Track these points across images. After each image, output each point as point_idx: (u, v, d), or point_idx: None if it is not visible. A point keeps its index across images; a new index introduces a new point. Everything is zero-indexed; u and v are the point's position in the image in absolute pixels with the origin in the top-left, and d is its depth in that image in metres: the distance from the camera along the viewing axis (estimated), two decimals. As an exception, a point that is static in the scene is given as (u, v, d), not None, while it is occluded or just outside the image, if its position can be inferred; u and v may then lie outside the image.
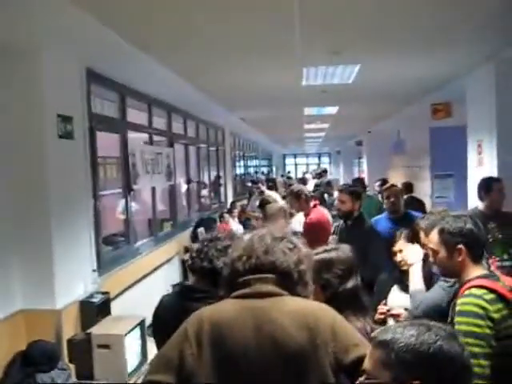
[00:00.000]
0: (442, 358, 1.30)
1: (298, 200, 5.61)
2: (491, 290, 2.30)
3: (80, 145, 4.70)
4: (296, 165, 36.61)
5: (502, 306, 2.28)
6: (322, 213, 5.64)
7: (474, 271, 2.41)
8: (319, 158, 37.12)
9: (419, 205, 7.33)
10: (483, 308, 2.25)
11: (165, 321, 2.12)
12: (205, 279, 2.40)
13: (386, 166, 14.84)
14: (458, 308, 2.34)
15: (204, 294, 2.30)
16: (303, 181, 14.19)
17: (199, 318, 1.85)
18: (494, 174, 5.79)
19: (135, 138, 6.71)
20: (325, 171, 17.54)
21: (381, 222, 5.19)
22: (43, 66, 4.12)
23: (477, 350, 2.20)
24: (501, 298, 2.30)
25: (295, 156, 37.32)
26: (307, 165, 35.72)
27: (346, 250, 2.52)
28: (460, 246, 2.41)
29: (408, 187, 9.29)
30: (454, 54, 5.97)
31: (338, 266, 2.43)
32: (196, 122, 9.80)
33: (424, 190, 9.65)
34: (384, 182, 9.68)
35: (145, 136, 7.08)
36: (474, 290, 2.32)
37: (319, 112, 11.28)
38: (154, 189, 7.28)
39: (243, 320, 1.79)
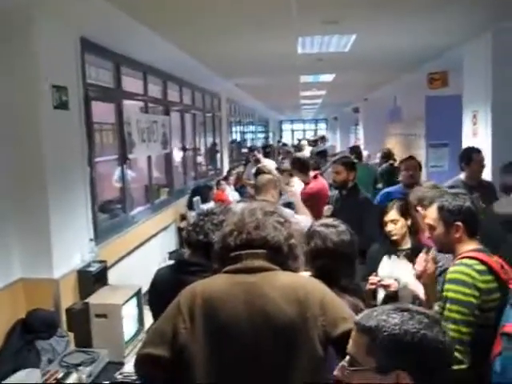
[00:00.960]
0: (425, 346, 1.31)
1: (302, 169, 5.69)
2: (482, 262, 2.39)
3: (75, 115, 4.70)
4: (293, 131, 36.47)
5: (491, 278, 2.37)
6: (322, 183, 5.73)
7: (469, 246, 2.49)
8: (316, 124, 36.95)
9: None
10: (472, 277, 2.35)
11: (160, 293, 2.19)
12: (200, 252, 2.45)
13: (382, 133, 14.80)
14: (448, 276, 2.44)
15: (199, 267, 2.35)
16: (299, 148, 14.18)
17: (192, 292, 1.90)
18: (488, 144, 5.84)
19: (131, 106, 6.70)
20: (322, 138, 17.44)
21: (395, 194, 5.11)
22: (38, 37, 4.09)
23: (458, 316, 2.32)
24: (491, 270, 2.37)
25: (292, 122, 37.12)
26: (304, 131, 35.60)
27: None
28: (458, 223, 2.50)
29: (388, 155, 9.29)
30: (451, 23, 5.92)
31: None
32: (192, 89, 9.75)
33: (419, 159, 9.65)
34: (387, 154, 9.69)
35: (140, 104, 7.07)
36: (466, 260, 2.42)
37: (315, 79, 11.19)
38: (149, 157, 7.31)
39: (235, 294, 1.85)
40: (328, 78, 10.85)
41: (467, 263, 2.40)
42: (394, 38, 6.64)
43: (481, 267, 2.37)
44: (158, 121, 7.35)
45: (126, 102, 6.32)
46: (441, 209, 2.55)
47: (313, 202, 5.09)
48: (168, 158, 8.32)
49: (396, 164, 8.43)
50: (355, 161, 6.02)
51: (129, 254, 5.94)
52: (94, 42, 5.17)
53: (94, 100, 5.20)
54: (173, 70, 7.96)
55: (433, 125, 8.95)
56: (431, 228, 2.61)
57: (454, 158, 8.00)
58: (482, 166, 5.01)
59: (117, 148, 6.27)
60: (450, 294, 2.36)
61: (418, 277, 2.79)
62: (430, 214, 2.61)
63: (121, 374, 3.05)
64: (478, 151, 5.10)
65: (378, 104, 16.14)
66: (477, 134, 6.45)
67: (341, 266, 2.41)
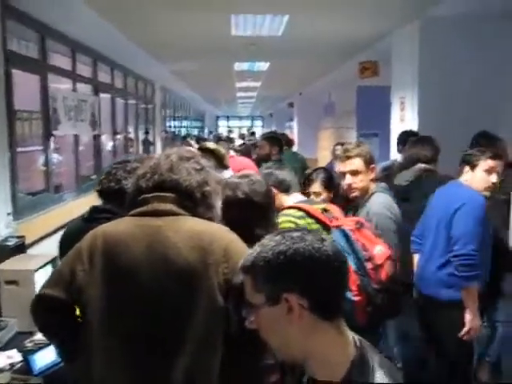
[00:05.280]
0: (300, 260, 1.25)
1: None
2: (300, 209, 2.85)
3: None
4: (229, 128, 36.50)
5: (311, 220, 2.83)
6: (237, 162, 5.67)
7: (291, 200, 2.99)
8: (252, 120, 37.13)
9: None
10: (292, 222, 2.78)
11: (71, 243, 2.08)
12: (112, 200, 2.38)
13: (316, 128, 15.02)
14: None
15: (111, 214, 2.26)
16: (230, 140, 14.23)
17: (94, 235, 1.86)
18: (415, 127, 5.99)
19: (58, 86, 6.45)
20: (252, 133, 17.67)
21: None
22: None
23: None
24: (309, 215, 2.84)
25: (228, 118, 37.15)
26: (240, 128, 35.69)
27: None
28: None
29: (288, 142, 9.32)
30: (380, 11, 6.05)
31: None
32: (124, 73, 9.52)
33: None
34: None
35: (68, 86, 6.81)
36: (285, 211, 2.87)
37: (250, 68, 11.20)
38: (77, 139, 7.07)
39: (136, 237, 1.80)
40: (263, 66, 10.88)
41: (285, 213, 2.84)
42: (326, 23, 6.72)
43: (299, 213, 2.83)
44: (87, 100, 7.13)
45: (53, 83, 6.07)
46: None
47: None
48: (97, 140, 8.08)
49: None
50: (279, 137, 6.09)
51: (54, 232, 5.70)
52: (17, 7, 4.92)
53: (15, 69, 4.95)
54: (104, 50, 7.73)
55: (363, 116, 9.15)
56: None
57: (383, 147, 8.21)
58: None
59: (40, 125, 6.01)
60: None
61: None
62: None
63: (31, 341, 2.90)
64: (414, 134, 5.24)
65: (312, 99, 16.38)
66: (404, 119, 6.61)
67: (253, 217, 2.34)
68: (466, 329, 3.21)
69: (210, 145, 5.27)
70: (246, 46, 7.89)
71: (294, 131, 19.25)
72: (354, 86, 9.42)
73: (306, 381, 1.35)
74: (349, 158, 3.23)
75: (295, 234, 1.29)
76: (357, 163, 3.22)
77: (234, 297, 1.75)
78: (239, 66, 11.00)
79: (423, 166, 4.15)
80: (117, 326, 1.78)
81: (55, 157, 6.45)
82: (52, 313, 1.87)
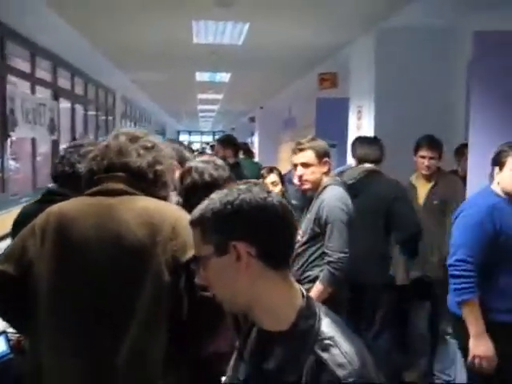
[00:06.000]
0: (246, 209, 1.28)
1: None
2: None
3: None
4: (190, 142, 36.39)
5: None
6: None
7: None
8: (214, 135, 37.14)
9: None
10: None
11: (23, 226, 2.09)
12: (66, 184, 2.38)
13: (276, 141, 15.16)
14: None
15: (65, 196, 2.27)
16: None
17: (48, 212, 1.90)
18: (371, 135, 6.10)
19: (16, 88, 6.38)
20: (212, 146, 17.75)
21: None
22: None
23: None
24: None
25: (190, 133, 37.07)
26: (201, 143, 35.61)
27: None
28: None
29: (247, 151, 9.36)
30: (338, 22, 6.23)
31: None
32: (85, 80, 9.47)
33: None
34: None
35: (27, 89, 6.74)
36: None
37: (212, 78, 11.29)
38: (35, 144, 6.99)
39: (88, 214, 1.84)
40: (224, 77, 10.98)
41: None
42: (287, 33, 6.86)
43: None
44: (46, 104, 7.07)
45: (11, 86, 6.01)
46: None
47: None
48: (55, 147, 7.99)
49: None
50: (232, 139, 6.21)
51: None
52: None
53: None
54: (65, 55, 7.68)
55: (322, 127, 9.27)
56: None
57: (342, 157, 8.36)
58: None
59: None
60: None
61: None
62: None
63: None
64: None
65: (273, 113, 16.53)
66: (361, 128, 6.77)
67: None
68: (469, 357, 2.75)
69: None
70: (208, 54, 7.97)
71: (255, 145, 19.36)
72: (314, 99, 9.58)
73: (255, 333, 1.39)
74: (301, 150, 3.30)
75: (242, 187, 1.32)
76: (308, 155, 3.28)
77: (183, 274, 1.79)
78: (201, 76, 11.07)
79: (368, 165, 4.17)
80: (65, 299, 1.81)
81: (12, 164, 6.37)
82: (1, 288, 1.88)
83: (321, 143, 3.36)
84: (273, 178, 3.85)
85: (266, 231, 1.29)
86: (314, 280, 3.19)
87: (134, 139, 1.98)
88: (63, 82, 8.17)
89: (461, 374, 3.59)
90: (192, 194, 2.40)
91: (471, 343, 2.72)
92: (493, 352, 2.69)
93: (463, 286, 2.75)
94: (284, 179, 3.96)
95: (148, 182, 1.94)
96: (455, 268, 2.78)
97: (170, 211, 1.91)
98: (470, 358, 2.73)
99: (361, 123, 6.82)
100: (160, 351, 1.78)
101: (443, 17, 5.52)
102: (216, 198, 1.32)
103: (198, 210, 1.34)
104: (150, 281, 1.78)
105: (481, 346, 2.69)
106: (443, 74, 5.96)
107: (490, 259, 2.78)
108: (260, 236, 1.29)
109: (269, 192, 1.33)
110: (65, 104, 8.46)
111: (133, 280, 1.78)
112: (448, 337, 4.10)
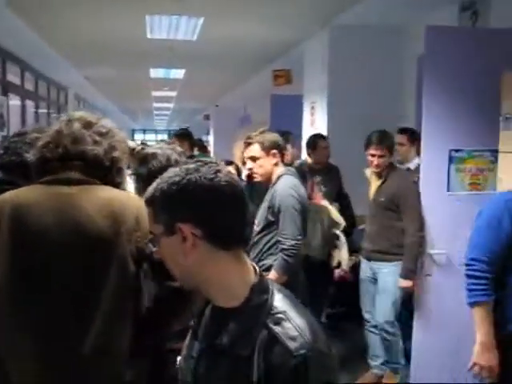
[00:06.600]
0: (192, 190, 1.27)
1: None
2: None
3: None
4: (145, 141, 35.96)
5: None
6: None
7: None
8: (169, 134, 36.82)
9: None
10: None
11: None
12: (14, 174, 2.31)
13: (232, 138, 15.15)
14: None
15: (14, 185, 2.23)
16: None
17: (1, 201, 1.83)
18: (324, 130, 6.24)
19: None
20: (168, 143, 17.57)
21: None
22: None
23: None
24: None
25: (145, 132, 36.69)
26: (156, 141, 35.26)
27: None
28: None
29: (202, 148, 9.36)
30: (292, 18, 6.28)
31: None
32: (35, 76, 9.27)
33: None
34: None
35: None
36: None
37: (166, 75, 11.21)
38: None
39: (47, 204, 1.79)
40: (179, 74, 10.91)
41: None
42: (241, 28, 6.88)
43: None
44: (-7, 99, 6.92)
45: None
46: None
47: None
48: (5, 142, 7.80)
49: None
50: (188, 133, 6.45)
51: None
52: None
53: None
54: (14, 49, 7.51)
55: (277, 123, 9.31)
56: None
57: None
58: (328, 151, 5.35)
59: None
60: None
61: None
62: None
63: None
64: (322, 137, 5.45)
65: (228, 112, 16.48)
66: (314, 123, 6.86)
67: None
68: (470, 363, 2.56)
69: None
70: (162, 50, 7.91)
71: (210, 143, 19.27)
72: (267, 93, 9.62)
73: (209, 311, 1.41)
74: (249, 144, 3.43)
75: (191, 166, 1.31)
76: (255, 149, 3.40)
77: (147, 264, 1.80)
78: (155, 73, 10.96)
79: None
80: (23, 291, 1.76)
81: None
82: None
83: (268, 136, 3.44)
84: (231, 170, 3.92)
85: (212, 212, 1.28)
86: (268, 269, 3.25)
87: (88, 125, 1.92)
88: (12, 78, 8.00)
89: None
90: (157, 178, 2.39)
91: (475, 350, 2.53)
92: (496, 362, 2.51)
93: (473, 287, 2.54)
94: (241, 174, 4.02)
95: (104, 170, 1.90)
96: (468, 268, 2.58)
97: (131, 201, 1.89)
98: (470, 365, 2.57)
99: (314, 119, 6.91)
100: (125, 342, 1.77)
101: (396, 14, 5.66)
102: (165, 178, 1.32)
103: (151, 188, 1.34)
104: (114, 271, 1.76)
105: (485, 355, 2.51)
106: (395, 70, 6.14)
107: (508, 261, 2.52)
108: (206, 217, 1.28)
109: (218, 171, 1.30)
110: (15, 101, 8.29)
111: (96, 270, 1.76)
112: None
